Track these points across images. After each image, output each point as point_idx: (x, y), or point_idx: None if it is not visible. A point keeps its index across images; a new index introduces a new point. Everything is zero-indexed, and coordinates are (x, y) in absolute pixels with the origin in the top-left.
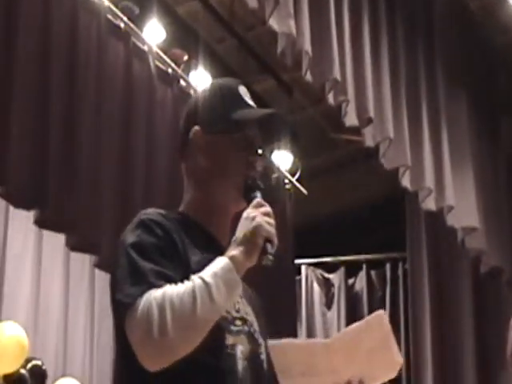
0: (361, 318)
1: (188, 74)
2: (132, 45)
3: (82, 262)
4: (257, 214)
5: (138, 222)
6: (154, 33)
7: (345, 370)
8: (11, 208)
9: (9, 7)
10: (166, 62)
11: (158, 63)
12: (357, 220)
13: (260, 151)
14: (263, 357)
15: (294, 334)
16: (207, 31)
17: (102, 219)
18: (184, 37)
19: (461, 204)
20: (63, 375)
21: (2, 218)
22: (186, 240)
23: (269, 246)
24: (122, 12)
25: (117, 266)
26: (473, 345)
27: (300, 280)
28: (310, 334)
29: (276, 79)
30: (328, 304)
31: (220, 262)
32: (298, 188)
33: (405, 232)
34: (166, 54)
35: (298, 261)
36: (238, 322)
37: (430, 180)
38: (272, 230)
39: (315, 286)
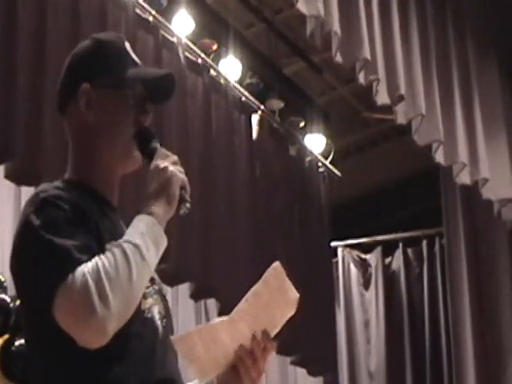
0: (399, 296)
1: (218, 63)
2: (161, 37)
3: None
4: (167, 164)
5: (40, 201)
6: (182, 24)
7: (248, 332)
8: None
9: (38, 5)
10: (195, 52)
11: (187, 54)
12: (392, 198)
13: (148, 110)
14: (169, 310)
15: (333, 317)
16: (235, 18)
17: None
18: (213, 25)
19: (496, 176)
20: None
21: None
22: (88, 207)
23: (185, 193)
24: (150, 5)
25: (27, 252)
26: (510, 312)
27: (337, 262)
28: (349, 315)
29: (306, 61)
30: (365, 284)
31: (143, 220)
32: (331, 170)
33: (440, 207)
34: (195, 44)
35: (333, 243)
36: (148, 283)
37: (463, 154)
38: (185, 178)
39: (352, 267)
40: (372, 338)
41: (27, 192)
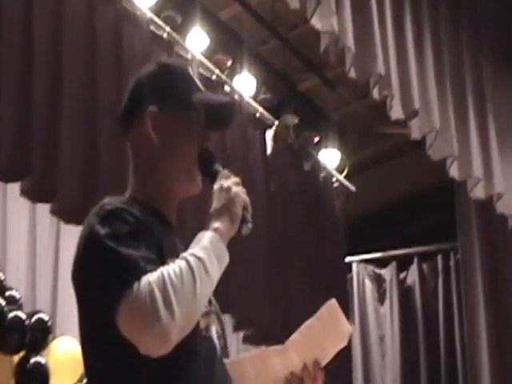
0: (414, 311)
1: (232, 79)
2: (175, 54)
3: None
4: (231, 185)
5: (106, 212)
6: (197, 40)
7: (299, 361)
8: (62, 223)
9: (54, 21)
10: (209, 68)
11: (201, 70)
12: (406, 212)
13: (209, 134)
14: (225, 332)
15: None
16: (250, 34)
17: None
18: (227, 42)
19: (510, 190)
20: None
21: (53, 234)
22: (151, 223)
23: (247, 214)
24: (165, 22)
25: (91, 263)
26: None
27: (352, 277)
28: (364, 330)
29: (320, 77)
30: (380, 299)
31: (207, 236)
32: (346, 185)
33: (455, 221)
34: (210, 60)
35: (348, 258)
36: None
37: (477, 169)
38: (247, 199)
39: (367, 282)
40: (387, 353)
41: (42, 209)
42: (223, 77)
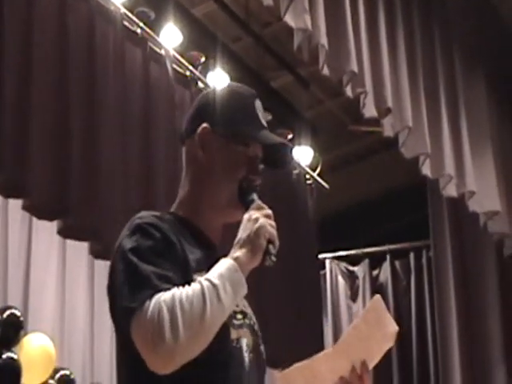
0: (386, 308)
1: (206, 75)
2: (149, 49)
3: (106, 269)
4: (259, 216)
5: (134, 226)
6: (170, 36)
7: (347, 364)
8: (35, 219)
9: (25, 17)
10: (183, 64)
11: (175, 66)
12: (379, 210)
13: (261, 171)
14: (262, 348)
15: (321, 328)
16: (223, 31)
17: (124, 225)
18: (201, 38)
19: (482, 189)
20: (91, 383)
21: (25, 230)
22: (182, 239)
23: (271, 247)
24: (138, 18)
25: (116, 273)
26: (500, 330)
27: (325, 274)
28: (336, 327)
29: (293, 74)
30: (353, 297)
31: (225, 264)
32: (319, 182)
33: (428, 220)
34: (183, 56)
35: (321, 255)
36: (239, 316)
37: (450, 167)
38: (274, 232)
39: (340, 279)
40: None
41: (14, 204)
42: (197, 73)
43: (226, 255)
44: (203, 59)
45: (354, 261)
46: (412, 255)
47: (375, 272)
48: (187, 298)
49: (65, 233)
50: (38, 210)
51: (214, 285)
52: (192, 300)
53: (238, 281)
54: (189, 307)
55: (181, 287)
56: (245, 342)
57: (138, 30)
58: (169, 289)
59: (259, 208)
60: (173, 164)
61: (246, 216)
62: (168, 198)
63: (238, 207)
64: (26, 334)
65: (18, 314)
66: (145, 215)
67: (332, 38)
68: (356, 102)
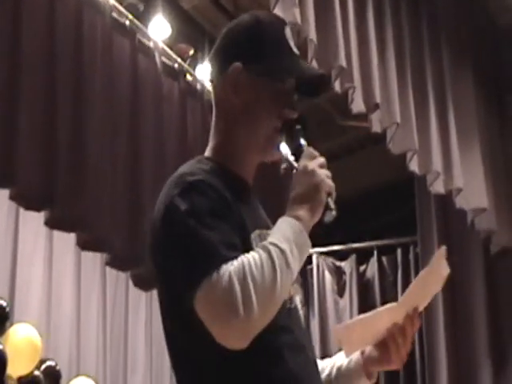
0: (373, 304)
1: (194, 68)
2: (137, 41)
3: (93, 260)
4: (315, 168)
5: (186, 184)
6: (159, 29)
7: (404, 311)
8: (21, 210)
9: (14, 7)
10: (171, 57)
11: (163, 59)
12: (366, 206)
13: (295, 105)
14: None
15: (306, 323)
16: (212, 24)
17: (111, 217)
18: (189, 31)
19: (469, 185)
20: (77, 375)
21: (12, 220)
22: (229, 192)
23: (330, 200)
24: (127, 9)
25: (171, 238)
26: (486, 326)
27: (311, 269)
28: (323, 322)
29: None
30: (340, 292)
31: (290, 224)
32: None
33: (415, 216)
34: (171, 49)
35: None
36: None
37: (437, 163)
38: (332, 184)
39: (327, 274)
40: None
41: (0, 194)
42: (185, 66)
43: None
44: (192, 52)
45: (341, 256)
46: (399, 251)
47: (362, 267)
48: (257, 268)
49: (52, 223)
50: (24, 200)
51: (282, 250)
52: (262, 270)
53: (303, 242)
54: (260, 278)
55: (247, 255)
56: (298, 299)
57: (127, 22)
58: (236, 257)
59: (312, 156)
60: (160, 155)
61: (300, 167)
62: (155, 190)
63: (275, 151)
64: (12, 325)
65: (4, 304)
66: (195, 170)
67: (321, 33)
68: (344, 96)
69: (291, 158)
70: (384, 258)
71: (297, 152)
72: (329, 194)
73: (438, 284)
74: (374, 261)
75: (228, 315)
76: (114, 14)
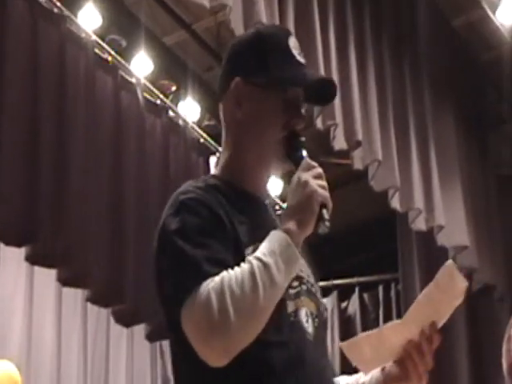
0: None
1: (177, 104)
2: (120, 77)
3: (74, 296)
4: (308, 179)
5: (178, 204)
6: (141, 64)
7: (417, 329)
8: (2, 245)
9: None
10: (154, 93)
11: (146, 95)
12: (349, 242)
13: (303, 113)
14: (323, 306)
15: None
16: (195, 60)
17: (93, 253)
18: (172, 67)
19: (451, 223)
20: None
21: None
22: (229, 208)
23: (324, 211)
24: (109, 45)
25: (162, 258)
26: (467, 363)
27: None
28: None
29: None
30: None
31: (276, 238)
32: None
33: (397, 253)
34: (154, 85)
35: None
36: (295, 283)
37: (419, 200)
38: (326, 194)
39: None
40: None
41: None
42: (167, 102)
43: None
44: (174, 88)
45: (322, 293)
46: (381, 288)
47: (344, 304)
48: (237, 283)
49: (32, 259)
50: (5, 235)
51: (265, 264)
52: (242, 284)
53: (290, 255)
54: (239, 292)
55: (230, 270)
56: (304, 312)
57: (109, 58)
58: (218, 273)
59: (308, 167)
60: (143, 191)
61: (294, 179)
62: (137, 226)
63: (286, 158)
64: None
65: None
66: (189, 189)
67: None
68: (326, 134)
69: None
70: (366, 295)
71: (297, 164)
72: (323, 206)
73: (457, 298)
74: (355, 297)
75: (206, 332)
76: (97, 50)
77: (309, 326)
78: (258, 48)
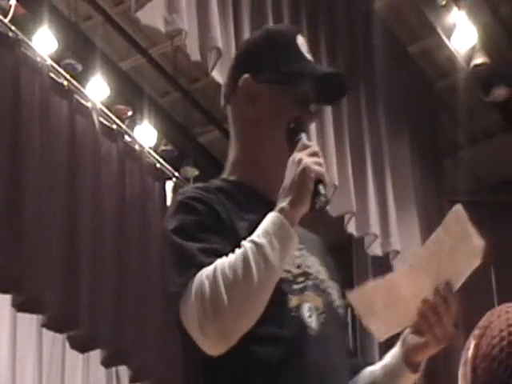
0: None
1: (133, 129)
2: (75, 102)
3: (29, 321)
4: (302, 156)
5: (177, 204)
6: (97, 89)
7: (430, 284)
8: None
9: None
10: (110, 117)
11: (102, 119)
12: None
13: (312, 110)
14: (337, 303)
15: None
16: (151, 85)
17: (47, 278)
18: (128, 92)
19: (406, 248)
20: None
21: None
22: (231, 206)
23: (320, 187)
24: (65, 70)
25: (166, 258)
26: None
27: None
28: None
29: (221, 130)
30: None
31: (270, 218)
32: None
33: (353, 278)
34: (110, 109)
35: None
36: (301, 279)
37: (375, 226)
38: (321, 169)
39: None
40: None
41: None
42: (123, 127)
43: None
44: (130, 113)
45: None
46: None
47: None
48: (230, 267)
49: None
50: None
51: (258, 245)
52: (235, 268)
53: (285, 234)
54: (232, 274)
55: (224, 257)
56: (307, 307)
57: (65, 82)
58: (213, 262)
59: (304, 147)
60: (98, 216)
61: (289, 160)
62: (93, 249)
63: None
64: None
65: None
66: (187, 189)
67: None
68: None
69: None
70: None
71: (295, 147)
72: (318, 181)
73: (476, 256)
74: None
75: (200, 320)
76: (52, 75)
77: (312, 321)
78: (266, 45)
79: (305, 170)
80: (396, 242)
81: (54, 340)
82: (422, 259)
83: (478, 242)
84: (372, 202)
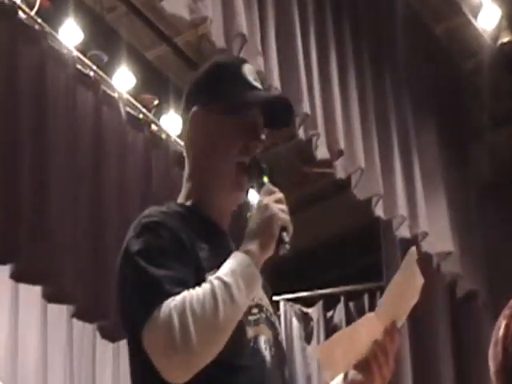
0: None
1: (159, 118)
2: (102, 92)
3: (59, 312)
4: (269, 202)
5: (141, 226)
6: (123, 79)
7: (381, 325)
8: None
9: None
10: (136, 107)
11: (128, 109)
12: (333, 252)
13: (262, 137)
14: (280, 337)
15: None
16: (176, 74)
17: (76, 269)
18: (154, 81)
19: (434, 230)
20: None
21: None
22: (191, 234)
23: (284, 234)
24: (91, 61)
25: (124, 278)
26: (451, 370)
27: (279, 316)
28: (290, 369)
29: None
30: (307, 338)
31: (237, 258)
32: None
33: (381, 261)
34: (136, 99)
35: (276, 297)
36: (255, 310)
37: (403, 208)
38: (286, 218)
39: (294, 320)
40: None
41: None
42: (150, 116)
43: (236, 242)
44: (156, 102)
45: (308, 303)
46: (366, 297)
47: (329, 313)
48: (198, 301)
49: (17, 277)
50: None
51: (225, 283)
52: (203, 302)
53: (251, 275)
54: (200, 310)
55: (191, 290)
56: (263, 340)
57: (91, 73)
58: (180, 292)
59: (269, 192)
60: (125, 206)
61: (256, 203)
62: (119, 241)
63: (244, 188)
64: None
65: None
66: (152, 213)
67: (284, 80)
68: (308, 143)
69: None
70: (351, 304)
71: (259, 190)
72: (283, 228)
73: (413, 296)
74: (341, 307)
75: (167, 351)
76: (78, 66)
77: (267, 354)
78: (211, 77)
79: (272, 217)
80: (424, 223)
81: (84, 330)
82: (387, 304)
83: (419, 282)
84: (399, 184)
